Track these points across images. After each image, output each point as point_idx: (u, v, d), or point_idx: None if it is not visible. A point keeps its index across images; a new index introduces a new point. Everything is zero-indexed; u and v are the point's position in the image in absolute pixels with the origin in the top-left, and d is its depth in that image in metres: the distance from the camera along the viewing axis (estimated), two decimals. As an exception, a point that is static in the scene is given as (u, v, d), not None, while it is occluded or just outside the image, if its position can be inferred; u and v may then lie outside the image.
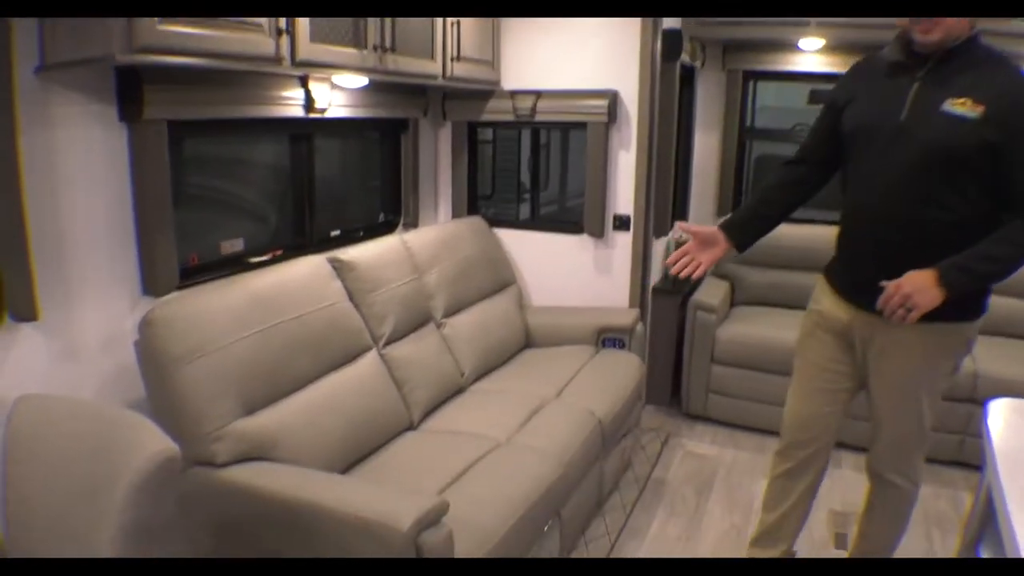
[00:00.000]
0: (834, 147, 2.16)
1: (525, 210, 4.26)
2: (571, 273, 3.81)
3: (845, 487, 3.41)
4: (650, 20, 3.45)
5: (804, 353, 2.36)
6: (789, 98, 6.47)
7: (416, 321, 3.01)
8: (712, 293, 4.08)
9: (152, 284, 2.31)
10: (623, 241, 3.67)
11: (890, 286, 1.85)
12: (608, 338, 3.54)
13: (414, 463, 2.45)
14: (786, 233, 4.36)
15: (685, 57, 3.82)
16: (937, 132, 1.84)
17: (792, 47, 4.25)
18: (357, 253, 2.84)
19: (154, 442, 1.42)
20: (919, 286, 1.82)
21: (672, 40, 3.60)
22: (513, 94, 3.69)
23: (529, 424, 2.75)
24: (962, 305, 1.94)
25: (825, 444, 2.33)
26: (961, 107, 1.81)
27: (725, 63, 4.46)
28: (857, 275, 2.10)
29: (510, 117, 3.73)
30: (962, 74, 1.84)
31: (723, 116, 4.55)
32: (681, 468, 3.55)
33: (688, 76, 4.18)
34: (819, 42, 4.06)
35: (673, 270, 2.24)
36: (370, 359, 2.69)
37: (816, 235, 4.32)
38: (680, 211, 4.36)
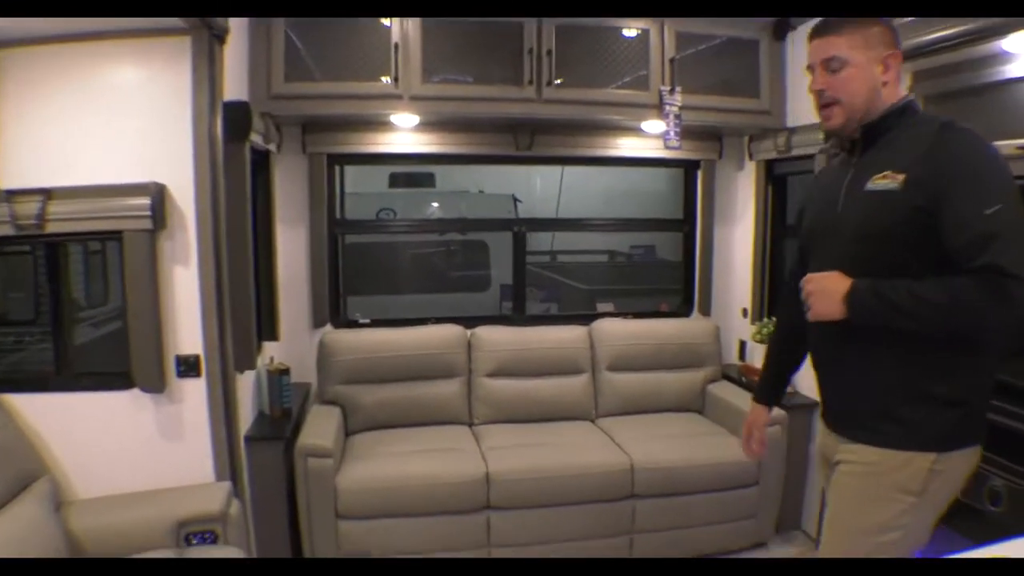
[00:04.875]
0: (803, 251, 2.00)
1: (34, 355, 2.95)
2: (126, 445, 2.64)
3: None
4: (206, 88, 2.55)
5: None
6: (369, 183, 6.03)
7: None
8: (322, 429, 3.24)
9: None
10: (194, 390, 2.63)
11: (805, 279, 1.72)
12: (195, 532, 2.46)
13: None
14: (392, 340, 3.76)
15: (256, 138, 2.98)
16: (864, 214, 1.69)
17: (379, 126, 3.69)
18: None
19: None
20: (824, 289, 1.66)
21: (237, 115, 2.75)
22: (10, 195, 2.47)
23: None
24: (919, 427, 1.65)
25: None
26: (883, 181, 1.65)
27: (306, 145, 3.71)
28: (819, 386, 1.91)
29: (8, 230, 2.48)
30: (888, 148, 1.69)
31: (309, 207, 3.78)
32: None
33: (262, 160, 3.34)
34: (413, 119, 3.55)
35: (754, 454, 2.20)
36: None
37: (424, 337, 3.79)
38: (268, 329, 3.45)
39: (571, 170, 6.27)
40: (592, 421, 3.90)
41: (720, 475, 3.41)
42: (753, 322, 4.15)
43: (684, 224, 4.44)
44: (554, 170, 6.51)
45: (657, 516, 3.37)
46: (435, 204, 6.33)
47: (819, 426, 1.98)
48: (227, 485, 2.58)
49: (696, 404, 4.04)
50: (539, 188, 7.14)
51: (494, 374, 3.83)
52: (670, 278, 5.67)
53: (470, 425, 3.80)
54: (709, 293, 4.40)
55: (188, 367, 2.59)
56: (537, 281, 5.00)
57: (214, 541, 2.45)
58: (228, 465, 2.64)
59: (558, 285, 6.14)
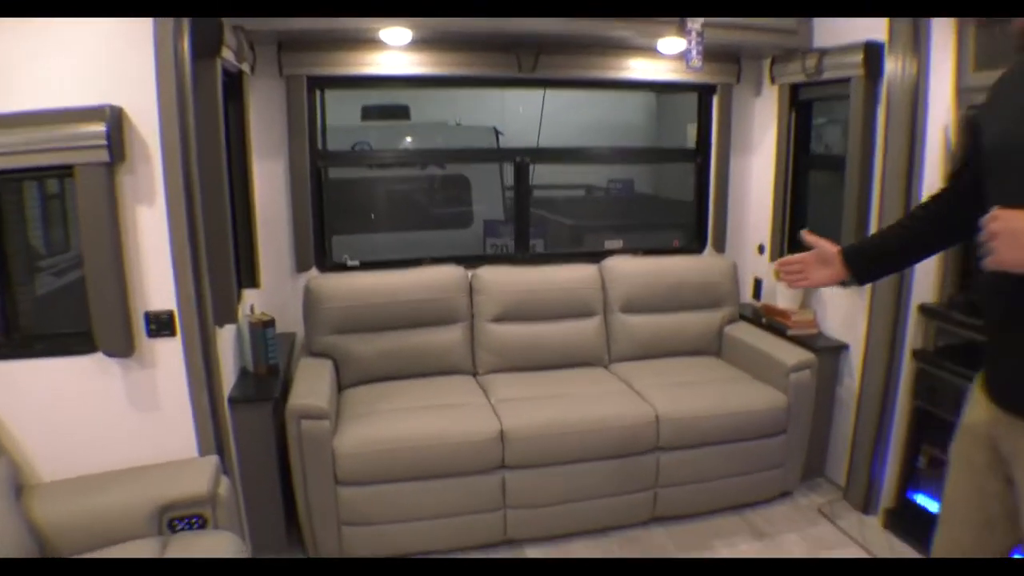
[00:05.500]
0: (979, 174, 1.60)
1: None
2: (93, 419, 2.28)
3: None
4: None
5: (951, 479, 1.71)
6: (340, 116, 5.55)
7: None
8: (314, 386, 2.90)
9: None
10: (169, 352, 2.27)
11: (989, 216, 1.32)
12: (179, 518, 2.13)
13: None
14: (386, 283, 3.39)
15: (228, 55, 2.54)
16: None
17: (366, 44, 3.25)
18: None
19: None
20: (1017, 231, 1.28)
21: (207, 28, 2.31)
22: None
23: None
24: None
25: None
26: None
27: (282, 66, 3.25)
28: (992, 354, 1.58)
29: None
30: None
31: (288, 137, 3.35)
32: None
33: (234, 84, 2.89)
34: (406, 34, 3.11)
35: (782, 277, 1.91)
36: None
37: (421, 280, 3.43)
38: (247, 275, 3.06)
39: (549, 103, 5.87)
40: (605, 367, 3.61)
41: (748, 424, 3.15)
42: (772, 259, 3.85)
43: (697, 154, 4.08)
44: (533, 103, 6.09)
45: (682, 469, 3.11)
46: (408, 139, 5.90)
47: (978, 397, 1.63)
48: (213, 460, 2.24)
49: (713, 347, 3.77)
50: (518, 121, 6.73)
51: (499, 319, 3.50)
52: (652, 212, 5.54)
53: (474, 375, 3.48)
54: (724, 228, 4.09)
55: (160, 325, 2.22)
56: (521, 216, 4.75)
57: (202, 526, 2.13)
58: (213, 437, 2.30)
59: (543, 220, 5.81)
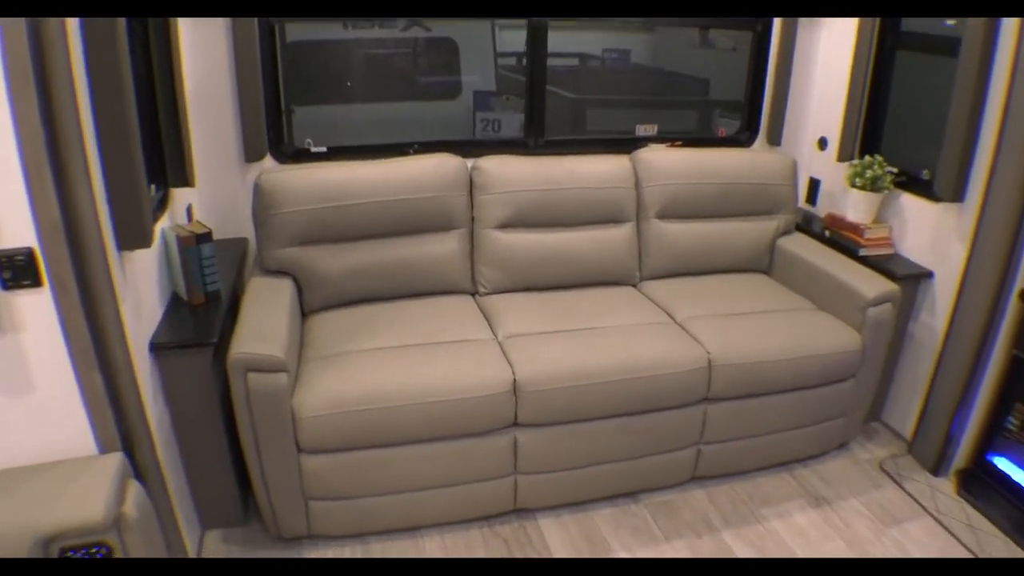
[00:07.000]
0: None
1: None
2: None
3: None
4: None
5: None
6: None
7: None
8: (267, 322, 2.18)
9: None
10: (36, 309, 1.49)
11: None
12: (74, 547, 1.45)
13: None
14: (361, 178, 2.58)
15: None
16: None
17: None
18: None
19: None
20: None
21: None
22: None
23: None
24: None
25: None
26: None
27: None
28: None
29: None
30: None
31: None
32: None
33: None
34: None
35: None
36: None
37: (407, 173, 2.66)
38: (175, 170, 2.25)
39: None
40: (635, 286, 2.93)
41: (816, 369, 2.54)
42: (842, 159, 3.11)
43: (757, 20, 3.23)
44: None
45: (732, 422, 2.53)
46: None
47: None
48: (115, 462, 1.53)
49: (762, 263, 3.09)
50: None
51: (507, 225, 2.76)
52: (661, 87, 4.78)
53: (474, 295, 2.79)
54: (782, 116, 3.31)
55: (17, 272, 1.43)
56: (515, 87, 3.90)
57: (107, 554, 1.46)
58: (115, 424, 1.58)
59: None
